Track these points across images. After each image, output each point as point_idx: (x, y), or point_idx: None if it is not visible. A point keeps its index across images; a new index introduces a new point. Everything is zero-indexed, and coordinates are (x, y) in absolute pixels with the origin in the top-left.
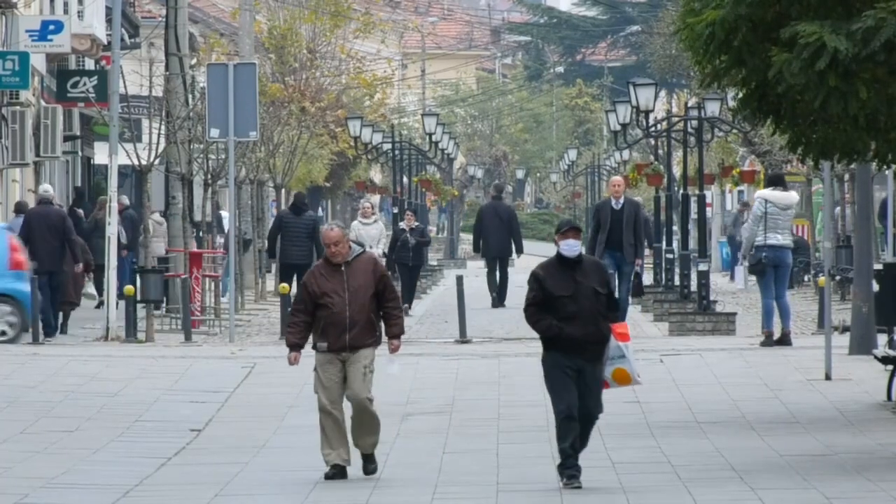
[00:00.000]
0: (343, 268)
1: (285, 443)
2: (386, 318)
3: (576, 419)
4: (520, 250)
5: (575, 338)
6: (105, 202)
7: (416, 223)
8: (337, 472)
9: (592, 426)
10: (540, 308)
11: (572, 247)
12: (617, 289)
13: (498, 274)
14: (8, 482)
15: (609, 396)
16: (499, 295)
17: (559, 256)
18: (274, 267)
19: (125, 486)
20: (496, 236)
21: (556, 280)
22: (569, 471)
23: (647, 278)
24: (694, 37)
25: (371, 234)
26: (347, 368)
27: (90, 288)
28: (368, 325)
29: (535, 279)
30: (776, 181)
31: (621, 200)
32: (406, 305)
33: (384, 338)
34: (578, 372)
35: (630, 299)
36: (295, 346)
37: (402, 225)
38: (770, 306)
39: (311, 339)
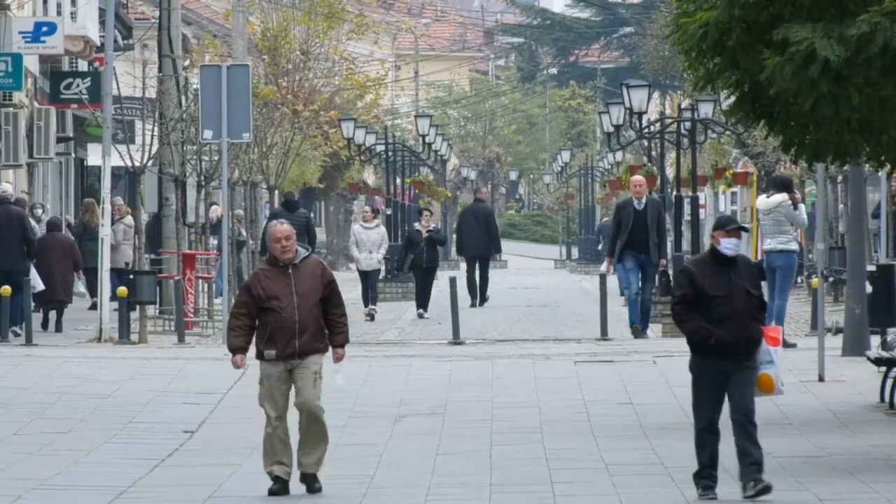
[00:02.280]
0: (290, 270)
1: None
2: (331, 325)
3: (715, 433)
4: (497, 249)
5: (725, 341)
6: (90, 205)
7: (433, 224)
8: (281, 487)
9: (755, 429)
10: (688, 307)
11: (736, 246)
12: (641, 291)
13: (478, 273)
14: (1, 483)
15: (602, 398)
16: (480, 293)
17: (715, 253)
18: None
19: (118, 488)
20: (474, 237)
21: (710, 278)
22: (704, 481)
23: None
24: (687, 38)
25: (372, 238)
26: (296, 375)
27: (80, 287)
28: (318, 331)
29: (687, 276)
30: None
31: (644, 200)
32: (421, 311)
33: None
34: (727, 377)
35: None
36: (239, 350)
37: (417, 226)
38: (770, 309)
39: (255, 346)
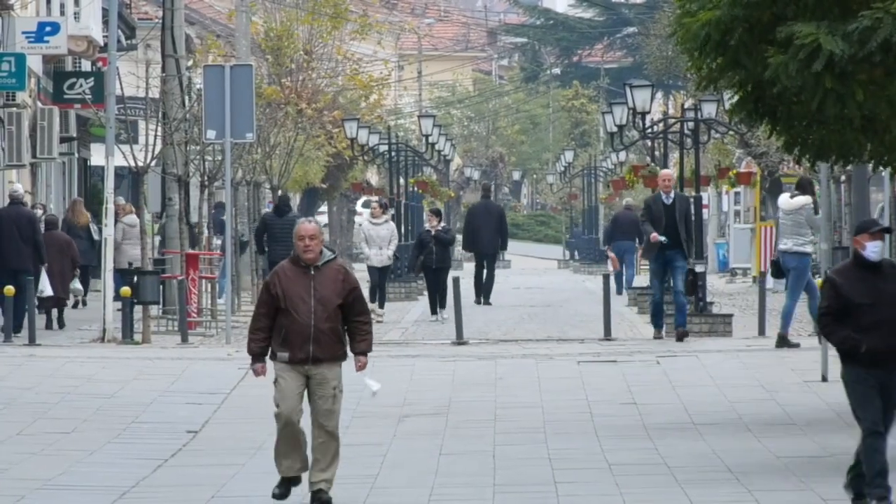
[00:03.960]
0: (312, 272)
1: None
2: (353, 332)
3: (883, 435)
4: (504, 246)
5: (877, 350)
6: (74, 203)
7: (442, 224)
8: (285, 490)
9: None
10: (836, 318)
11: (882, 249)
12: (674, 287)
13: (485, 272)
14: (4, 484)
15: (606, 398)
16: (483, 292)
17: (859, 259)
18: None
19: (122, 488)
20: (486, 234)
21: (855, 286)
22: (878, 490)
23: (644, 280)
24: (689, 38)
25: (381, 234)
26: (314, 388)
27: (76, 284)
28: (334, 338)
29: (831, 285)
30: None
31: (672, 195)
32: (438, 315)
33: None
34: (881, 386)
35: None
36: (259, 356)
37: (427, 226)
38: (786, 308)
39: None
